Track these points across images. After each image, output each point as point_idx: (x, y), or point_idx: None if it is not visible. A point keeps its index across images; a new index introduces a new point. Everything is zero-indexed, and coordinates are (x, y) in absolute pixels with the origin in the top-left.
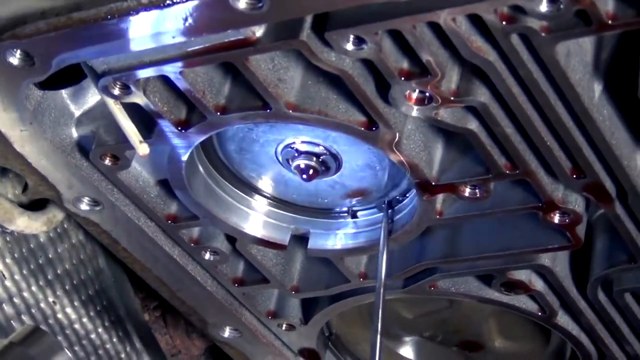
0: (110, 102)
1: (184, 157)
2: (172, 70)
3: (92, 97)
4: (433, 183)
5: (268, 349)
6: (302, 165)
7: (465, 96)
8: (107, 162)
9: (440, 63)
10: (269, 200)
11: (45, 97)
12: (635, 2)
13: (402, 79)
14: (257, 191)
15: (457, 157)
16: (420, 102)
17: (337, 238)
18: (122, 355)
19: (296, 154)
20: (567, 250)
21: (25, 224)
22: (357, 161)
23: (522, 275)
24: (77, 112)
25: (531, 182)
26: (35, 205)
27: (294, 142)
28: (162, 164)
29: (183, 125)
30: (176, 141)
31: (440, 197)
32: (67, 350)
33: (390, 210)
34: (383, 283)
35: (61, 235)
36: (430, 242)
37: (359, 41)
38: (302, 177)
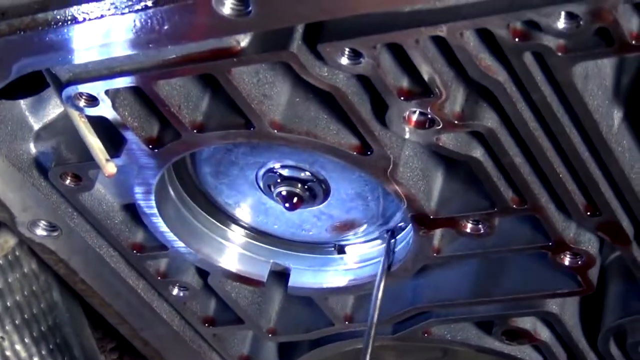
0: (75, 115)
1: (154, 180)
2: (145, 81)
3: (54, 109)
4: (431, 216)
5: None
6: (285, 193)
7: (471, 120)
8: (68, 182)
9: (444, 82)
10: (246, 231)
11: (2, 107)
12: None
13: (402, 98)
14: (234, 220)
15: (459, 188)
16: (420, 125)
17: (322, 275)
18: None
19: (279, 180)
20: (578, 296)
21: None
22: (346, 189)
23: (527, 323)
24: (36, 126)
25: (540, 218)
26: None
27: (277, 166)
28: (129, 186)
29: (155, 144)
30: (146, 161)
31: (438, 233)
32: None
33: (393, 241)
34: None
35: (12, 264)
36: (425, 282)
37: (355, 55)
38: (284, 205)
